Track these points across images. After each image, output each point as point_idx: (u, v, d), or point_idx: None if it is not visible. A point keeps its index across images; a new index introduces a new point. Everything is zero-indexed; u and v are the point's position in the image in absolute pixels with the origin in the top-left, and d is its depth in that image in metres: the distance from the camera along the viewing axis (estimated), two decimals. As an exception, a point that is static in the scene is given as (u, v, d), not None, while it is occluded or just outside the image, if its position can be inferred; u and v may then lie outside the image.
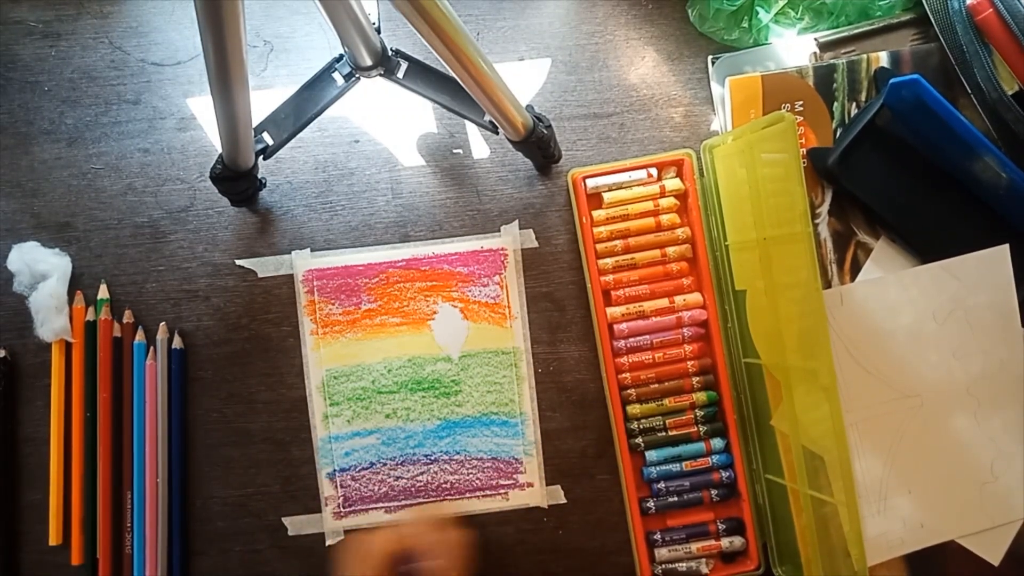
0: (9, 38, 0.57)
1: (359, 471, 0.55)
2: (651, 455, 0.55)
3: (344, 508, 0.55)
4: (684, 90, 0.58)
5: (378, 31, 0.47)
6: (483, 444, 0.56)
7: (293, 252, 0.56)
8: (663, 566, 0.54)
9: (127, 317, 0.55)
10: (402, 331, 0.56)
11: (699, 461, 0.55)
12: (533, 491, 0.56)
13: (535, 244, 0.57)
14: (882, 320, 0.55)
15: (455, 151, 0.58)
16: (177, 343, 0.55)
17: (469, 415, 0.56)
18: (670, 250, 0.56)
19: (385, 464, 0.56)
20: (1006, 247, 0.55)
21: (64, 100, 0.57)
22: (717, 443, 0.55)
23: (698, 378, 0.56)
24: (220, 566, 0.55)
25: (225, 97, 0.41)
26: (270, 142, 0.51)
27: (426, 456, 0.56)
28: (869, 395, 0.55)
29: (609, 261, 0.56)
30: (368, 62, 0.48)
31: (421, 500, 0.55)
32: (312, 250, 0.56)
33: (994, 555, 0.55)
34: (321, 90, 0.51)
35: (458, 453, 0.56)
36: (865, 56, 0.56)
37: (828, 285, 0.56)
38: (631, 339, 0.55)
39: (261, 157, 0.52)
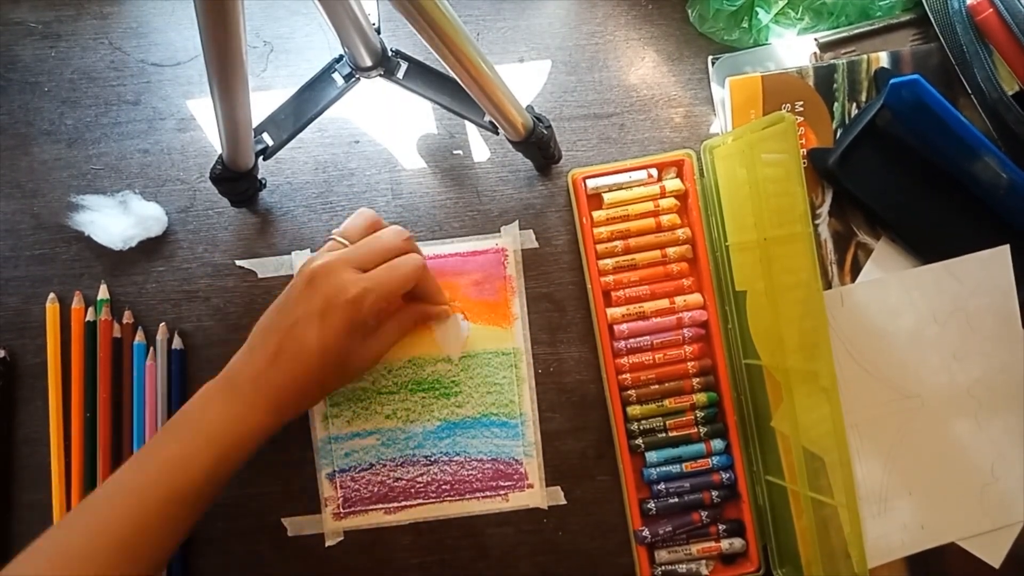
0: (9, 39, 0.57)
1: (359, 472, 0.55)
2: (651, 456, 0.55)
3: (344, 509, 0.55)
4: (684, 90, 0.58)
5: (378, 31, 0.47)
6: (483, 445, 0.56)
7: (293, 253, 0.56)
8: (663, 567, 0.54)
9: (127, 318, 0.55)
10: (402, 332, 0.56)
11: (699, 462, 0.55)
12: (533, 492, 0.56)
13: (535, 245, 0.57)
14: (883, 321, 0.55)
15: (455, 152, 0.58)
16: (177, 344, 0.55)
17: (469, 416, 0.56)
18: (670, 251, 0.56)
19: (385, 465, 0.55)
20: (1007, 248, 0.55)
21: (64, 101, 0.57)
22: (717, 444, 0.55)
23: (698, 379, 0.55)
24: (220, 567, 0.55)
25: (225, 98, 0.41)
26: (270, 143, 0.51)
27: (426, 457, 0.56)
28: (870, 396, 0.55)
29: (609, 262, 0.56)
30: (368, 63, 0.48)
31: (421, 501, 0.55)
32: (312, 251, 0.56)
33: (995, 557, 0.55)
34: (321, 91, 0.51)
35: (458, 454, 0.56)
36: (865, 56, 0.56)
37: (828, 286, 0.56)
38: (631, 340, 0.55)
39: (261, 158, 0.52)
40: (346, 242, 0.49)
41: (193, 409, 0.46)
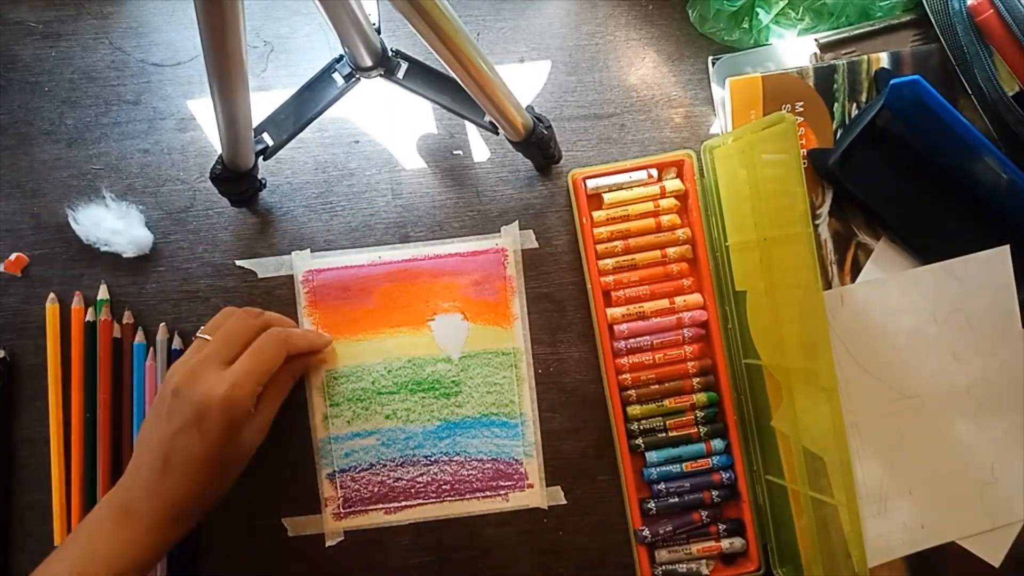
0: (9, 38, 0.57)
1: (359, 472, 0.55)
2: (651, 456, 0.55)
3: (344, 509, 0.55)
4: (684, 91, 0.58)
5: (378, 31, 0.47)
6: (483, 445, 0.56)
7: (293, 253, 0.56)
8: (663, 567, 0.54)
9: (127, 318, 0.55)
10: (402, 332, 0.56)
11: (699, 462, 0.55)
12: (533, 492, 0.56)
13: (535, 245, 0.57)
14: (882, 321, 0.55)
15: (455, 152, 0.58)
16: (177, 344, 0.55)
17: (469, 416, 0.56)
18: (670, 251, 0.56)
19: (385, 465, 0.55)
20: (1007, 248, 0.55)
21: (64, 101, 0.57)
22: (717, 444, 0.55)
23: (698, 379, 0.56)
24: (220, 567, 0.55)
25: (225, 98, 0.41)
26: (270, 143, 0.51)
27: (426, 457, 0.56)
28: (870, 396, 0.55)
29: (609, 262, 0.56)
30: (368, 63, 0.48)
31: (421, 501, 0.55)
32: (312, 251, 0.56)
33: (995, 557, 0.55)
34: (321, 91, 0.51)
35: (458, 454, 0.56)
36: (866, 57, 0.56)
37: (828, 286, 0.56)
38: (631, 340, 0.55)
39: (261, 158, 0.52)
40: (209, 338, 0.48)
41: (81, 538, 0.44)
